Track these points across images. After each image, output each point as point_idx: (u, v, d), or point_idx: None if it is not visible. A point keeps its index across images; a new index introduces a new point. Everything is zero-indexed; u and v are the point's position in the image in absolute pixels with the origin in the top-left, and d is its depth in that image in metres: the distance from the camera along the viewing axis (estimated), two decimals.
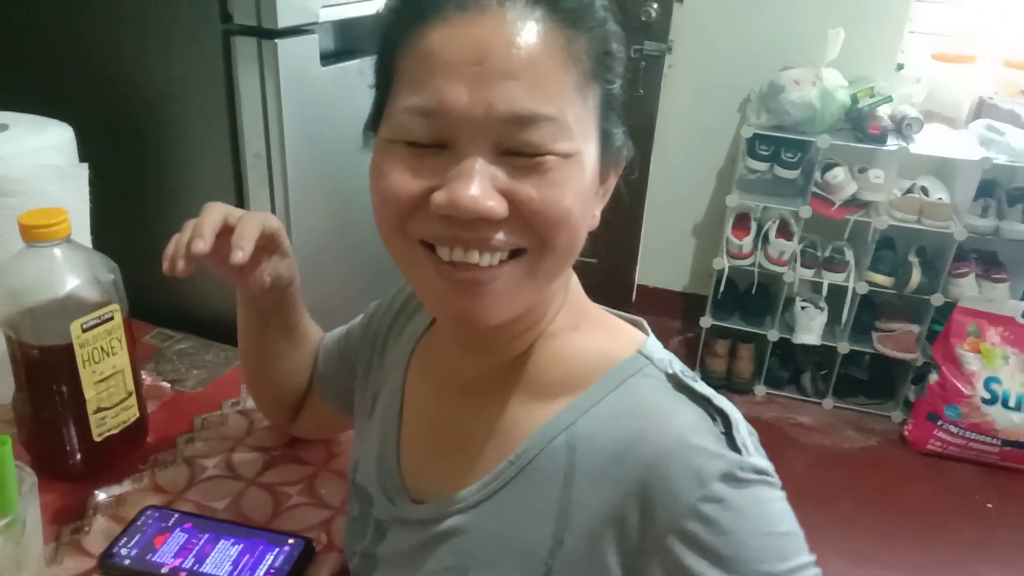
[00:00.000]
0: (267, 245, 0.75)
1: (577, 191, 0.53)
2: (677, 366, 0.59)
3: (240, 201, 1.10)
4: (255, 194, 1.09)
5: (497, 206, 0.50)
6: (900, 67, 2.72)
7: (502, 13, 0.50)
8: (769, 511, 0.53)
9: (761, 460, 0.54)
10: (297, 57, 1.04)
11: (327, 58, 1.10)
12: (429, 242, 0.54)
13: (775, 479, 0.54)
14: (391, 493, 0.68)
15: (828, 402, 2.85)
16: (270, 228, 0.74)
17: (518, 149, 0.51)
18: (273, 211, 1.08)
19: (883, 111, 2.51)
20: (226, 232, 0.70)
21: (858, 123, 2.52)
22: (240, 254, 0.68)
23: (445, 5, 0.51)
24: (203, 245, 0.68)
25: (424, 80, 0.51)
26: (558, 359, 0.62)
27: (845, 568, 2.15)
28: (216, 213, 0.70)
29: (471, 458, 0.62)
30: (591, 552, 0.55)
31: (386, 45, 0.55)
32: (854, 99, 2.51)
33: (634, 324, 0.66)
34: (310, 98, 1.08)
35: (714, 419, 0.55)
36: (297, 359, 0.87)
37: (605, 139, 0.56)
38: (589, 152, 0.54)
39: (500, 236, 0.52)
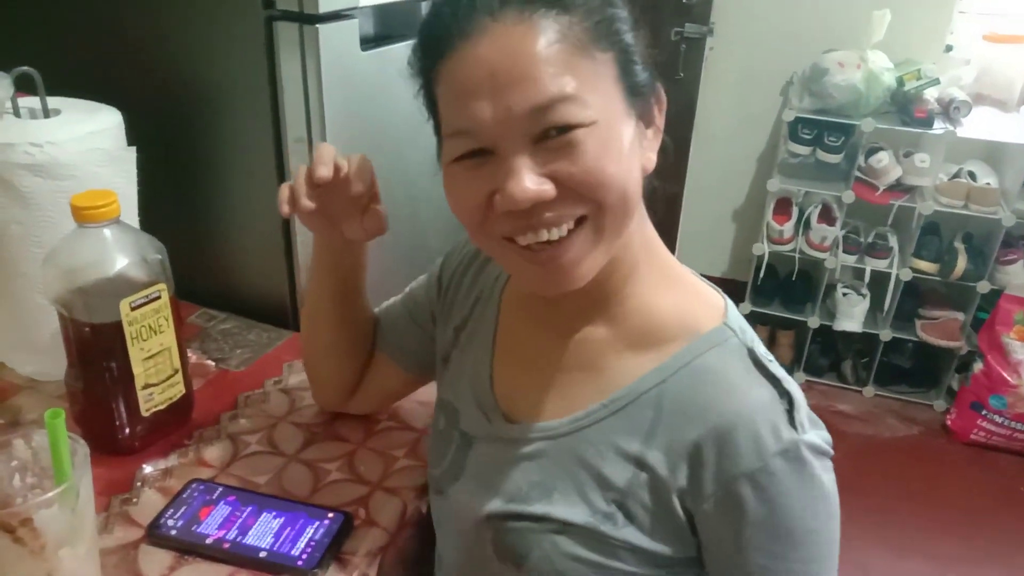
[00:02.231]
0: (368, 190, 0.77)
1: (612, 151, 0.59)
2: (758, 346, 0.66)
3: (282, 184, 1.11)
4: None
5: (544, 190, 0.58)
6: (949, 49, 2.66)
7: (496, 27, 0.57)
8: (814, 484, 0.62)
9: (815, 436, 0.63)
10: (338, 42, 1.05)
11: (367, 43, 1.12)
12: (508, 236, 0.62)
13: (826, 452, 0.64)
14: (486, 409, 0.75)
15: (869, 390, 2.81)
16: (373, 173, 0.78)
17: (546, 134, 0.57)
18: None
19: (930, 94, 2.46)
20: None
21: (904, 106, 2.47)
22: (361, 186, 0.75)
23: (452, 38, 0.58)
24: (326, 171, 0.71)
25: (455, 105, 0.59)
26: (646, 313, 0.69)
27: (886, 558, 2.13)
28: (330, 148, 0.74)
29: (563, 391, 0.71)
30: (659, 490, 0.64)
31: (423, 81, 0.64)
32: (900, 82, 2.46)
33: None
34: (350, 82, 1.09)
35: (781, 398, 0.62)
36: (366, 329, 0.91)
37: (631, 90, 0.62)
38: (614, 110, 0.60)
39: (556, 213, 0.59)
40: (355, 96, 1.11)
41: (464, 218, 0.63)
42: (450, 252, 0.88)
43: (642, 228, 0.69)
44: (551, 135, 0.57)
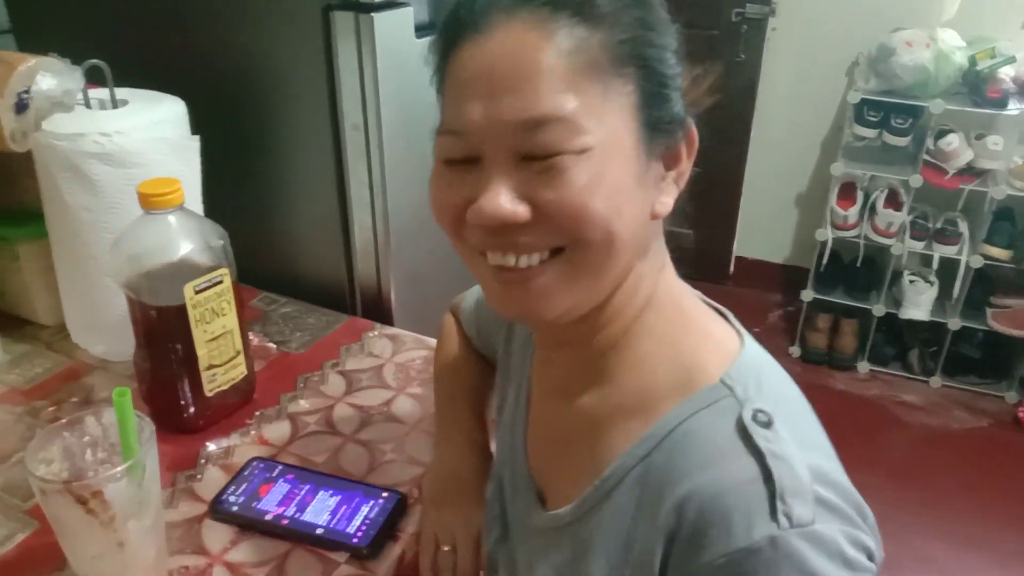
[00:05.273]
0: None
1: (603, 186, 0.53)
2: (757, 404, 0.54)
3: (339, 170, 1.14)
4: (353, 164, 1.12)
5: (516, 211, 0.53)
6: None
7: (509, 26, 0.52)
8: None
9: (822, 531, 0.49)
10: (392, 30, 1.06)
11: (421, 30, 1.12)
12: (480, 249, 0.57)
13: (835, 551, 0.49)
14: (520, 489, 0.71)
15: (936, 380, 2.73)
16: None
17: (532, 153, 0.52)
18: (370, 180, 1.12)
19: (1005, 73, 2.36)
20: None
21: (976, 86, 2.38)
22: None
23: (465, 29, 0.54)
24: None
25: (451, 102, 0.56)
26: (640, 369, 0.60)
27: (951, 553, 2.07)
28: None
29: (570, 470, 0.64)
30: None
31: (436, 71, 0.59)
32: (972, 61, 2.37)
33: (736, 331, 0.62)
34: (405, 70, 1.10)
35: (765, 481, 0.50)
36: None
37: (652, 125, 0.55)
38: (619, 142, 0.54)
39: (530, 239, 0.54)
40: (410, 83, 1.12)
41: (440, 220, 0.59)
42: None
43: (656, 274, 0.61)
44: (537, 155, 0.52)
